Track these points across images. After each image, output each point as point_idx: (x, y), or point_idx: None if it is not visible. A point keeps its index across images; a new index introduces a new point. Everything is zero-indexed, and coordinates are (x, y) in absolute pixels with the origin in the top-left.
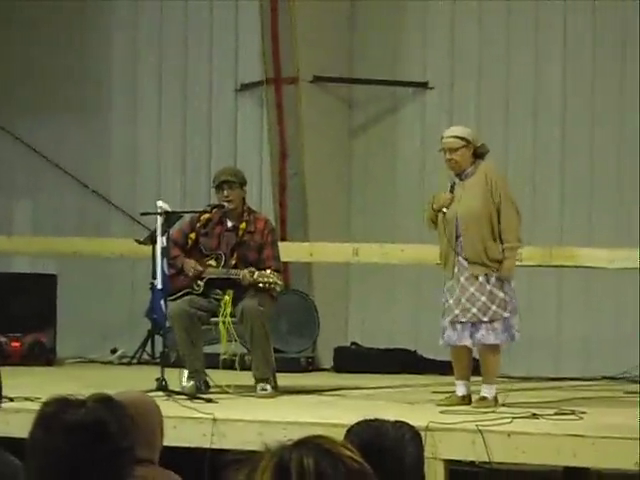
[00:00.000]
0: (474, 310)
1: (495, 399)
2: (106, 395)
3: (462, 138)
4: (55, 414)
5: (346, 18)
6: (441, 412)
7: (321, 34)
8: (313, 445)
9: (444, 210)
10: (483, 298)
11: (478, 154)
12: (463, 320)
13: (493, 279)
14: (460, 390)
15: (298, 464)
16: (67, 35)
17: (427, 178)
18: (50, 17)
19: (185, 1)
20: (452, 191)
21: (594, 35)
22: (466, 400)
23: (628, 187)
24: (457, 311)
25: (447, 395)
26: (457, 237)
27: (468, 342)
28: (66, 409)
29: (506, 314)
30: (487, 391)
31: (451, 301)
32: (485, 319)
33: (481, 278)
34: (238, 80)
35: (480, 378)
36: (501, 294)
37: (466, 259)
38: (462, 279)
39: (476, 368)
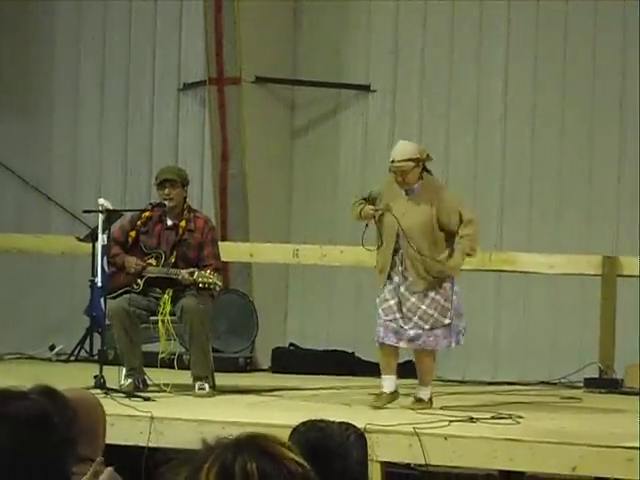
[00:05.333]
0: (415, 319)
1: (430, 400)
2: (48, 386)
3: (412, 159)
4: None
5: (290, 19)
6: (374, 410)
7: (265, 35)
8: (255, 447)
9: (367, 223)
10: (423, 307)
11: (425, 167)
12: (405, 327)
13: (434, 289)
14: (388, 386)
15: (241, 469)
16: (9, 33)
17: (368, 181)
18: None
19: (129, 0)
20: (373, 203)
21: (536, 40)
22: (395, 395)
23: (568, 194)
24: (398, 315)
25: (376, 395)
26: (396, 250)
27: (405, 345)
28: (8, 402)
29: (447, 321)
30: (423, 393)
31: (392, 302)
32: (427, 327)
33: (422, 289)
34: (181, 79)
35: (415, 380)
36: (442, 301)
37: (407, 272)
38: (402, 289)
39: (411, 370)
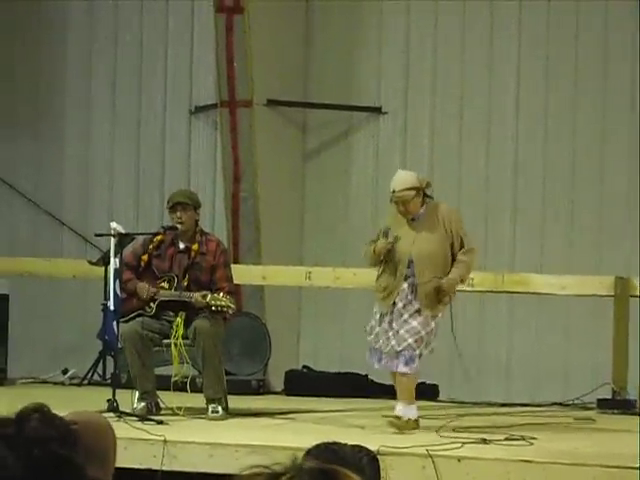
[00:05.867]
0: (410, 340)
1: (416, 421)
2: (37, 404)
3: (412, 188)
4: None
5: (301, 42)
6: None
7: (276, 58)
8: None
9: (381, 258)
10: (423, 332)
11: (426, 193)
12: (398, 349)
13: (438, 318)
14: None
15: None
16: (21, 33)
17: (379, 203)
18: (2, 32)
19: (140, 24)
20: (386, 236)
21: (547, 40)
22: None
23: (580, 215)
24: (391, 338)
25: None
26: (407, 277)
27: (399, 368)
28: (22, 424)
29: (417, 352)
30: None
31: (390, 333)
32: (417, 352)
33: (428, 315)
34: (192, 102)
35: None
36: (435, 329)
37: (416, 300)
38: (406, 315)
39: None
